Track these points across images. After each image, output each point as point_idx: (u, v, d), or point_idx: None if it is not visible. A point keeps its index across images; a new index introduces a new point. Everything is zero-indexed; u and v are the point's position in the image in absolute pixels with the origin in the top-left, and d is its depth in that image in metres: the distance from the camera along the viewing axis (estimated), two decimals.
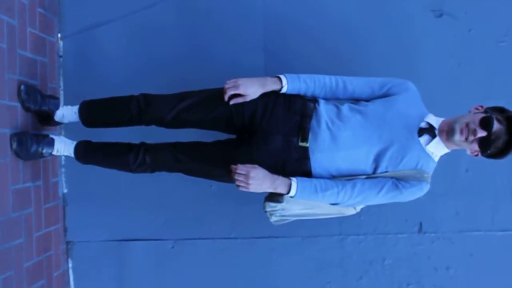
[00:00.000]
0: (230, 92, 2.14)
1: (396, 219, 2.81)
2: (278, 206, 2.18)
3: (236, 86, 2.14)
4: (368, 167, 2.14)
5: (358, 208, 2.29)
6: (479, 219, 2.80)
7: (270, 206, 2.20)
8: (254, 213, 2.75)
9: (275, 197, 2.19)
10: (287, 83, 2.18)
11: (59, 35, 2.79)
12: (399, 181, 2.14)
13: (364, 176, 2.14)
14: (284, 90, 2.19)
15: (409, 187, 2.14)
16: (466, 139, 2.02)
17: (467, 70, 2.76)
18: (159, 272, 2.86)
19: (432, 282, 2.85)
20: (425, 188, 2.16)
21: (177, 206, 2.83)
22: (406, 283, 2.85)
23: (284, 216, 2.25)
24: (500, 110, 2.05)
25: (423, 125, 2.14)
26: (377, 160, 2.13)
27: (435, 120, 2.15)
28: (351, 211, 2.28)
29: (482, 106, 2.09)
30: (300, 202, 2.17)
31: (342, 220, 2.76)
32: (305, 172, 2.17)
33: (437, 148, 2.14)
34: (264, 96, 2.19)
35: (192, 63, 2.79)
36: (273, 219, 2.26)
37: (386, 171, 2.14)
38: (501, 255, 2.82)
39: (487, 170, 2.76)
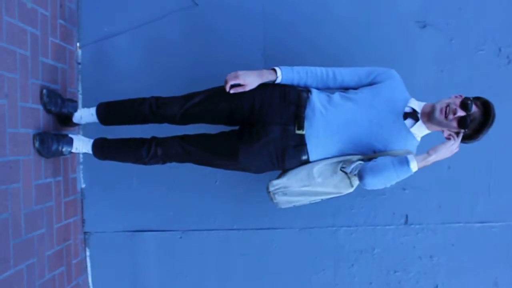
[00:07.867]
0: (231, 82, 2.14)
1: (384, 212, 2.81)
2: (280, 183, 2.19)
3: (236, 76, 2.14)
4: (361, 148, 2.15)
5: (354, 185, 2.24)
6: (460, 212, 2.79)
7: (273, 184, 2.22)
8: (254, 207, 2.79)
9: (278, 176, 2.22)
10: (282, 73, 2.19)
11: (78, 44, 2.79)
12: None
13: (359, 157, 2.15)
14: (279, 80, 2.20)
15: None
16: (446, 117, 2.05)
17: (449, 76, 2.76)
18: (168, 259, 2.84)
19: (417, 269, 2.84)
20: None
21: (185, 200, 2.81)
22: (394, 270, 2.84)
23: (286, 194, 2.22)
24: (477, 98, 2.10)
25: (407, 109, 2.16)
26: (369, 142, 2.14)
27: (417, 105, 2.18)
28: (348, 189, 2.25)
29: (461, 95, 2.11)
30: (299, 178, 2.18)
31: (335, 212, 2.78)
32: (303, 157, 2.17)
33: (419, 130, 2.17)
34: (261, 90, 2.19)
35: (197, 67, 2.77)
36: (276, 198, 2.25)
37: (380, 151, 2.15)
38: (480, 245, 2.82)
39: (467, 167, 2.75)
